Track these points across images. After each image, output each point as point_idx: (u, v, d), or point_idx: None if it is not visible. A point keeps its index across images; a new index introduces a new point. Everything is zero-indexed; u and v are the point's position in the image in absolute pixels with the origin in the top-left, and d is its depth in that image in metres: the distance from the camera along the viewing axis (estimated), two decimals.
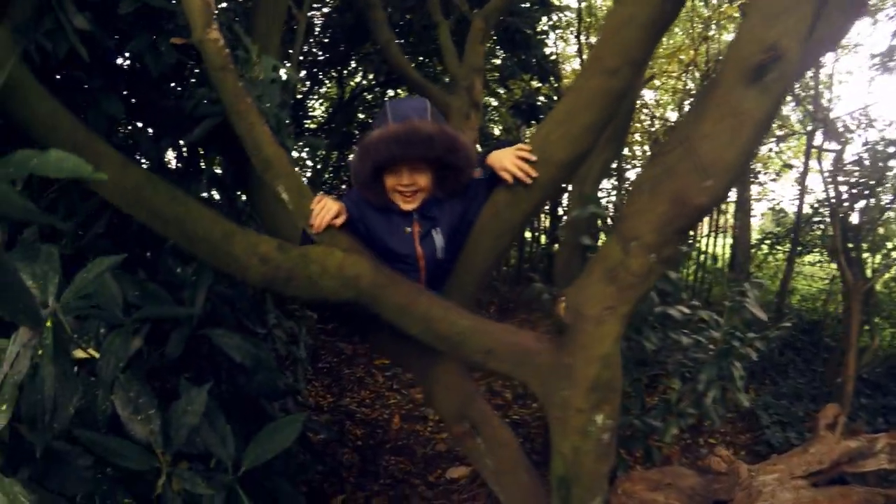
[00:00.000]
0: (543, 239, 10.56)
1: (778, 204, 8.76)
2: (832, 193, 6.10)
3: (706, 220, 9.88)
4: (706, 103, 2.07)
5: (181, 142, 2.82)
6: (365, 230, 2.50)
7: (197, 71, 3.29)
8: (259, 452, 1.94)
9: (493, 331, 2.61)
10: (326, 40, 7.87)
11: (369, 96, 10.38)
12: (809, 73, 7.33)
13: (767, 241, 8.16)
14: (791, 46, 1.92)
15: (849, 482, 3.21)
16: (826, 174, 6.43)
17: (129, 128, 2.92)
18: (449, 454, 4.82)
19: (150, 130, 2.80)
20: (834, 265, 7.18)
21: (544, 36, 6.92)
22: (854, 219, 5.90)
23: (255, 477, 2.60)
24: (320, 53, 8.03)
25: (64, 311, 1.56)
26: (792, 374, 6.07)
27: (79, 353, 1.82)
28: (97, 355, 1.79)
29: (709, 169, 2.03)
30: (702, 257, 8.56)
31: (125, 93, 2.80)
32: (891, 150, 5.81)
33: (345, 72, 8.99)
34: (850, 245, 5.60)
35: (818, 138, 7.00)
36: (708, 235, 9.56)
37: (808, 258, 8.05)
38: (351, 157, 2.36)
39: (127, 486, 1.69)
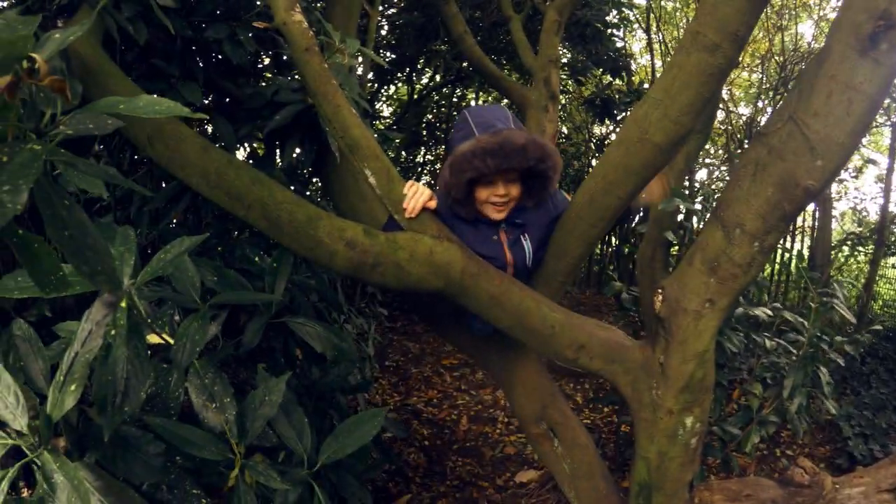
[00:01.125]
0: (614, 240, 10.35)
1: (860, 202, 8.40)
2: None
3: None
4: (815, 78, 1.93)
5: (258, 133, 2.79)
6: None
7: (274, 62, 3.29)
8: (337, 448, 1.88)
9: (585, 325, 2.51)
10: (394, 42, 7.87)
11: (437, 97, 10.38)
12: None
13: (849, 242, 7.83)
14: None
15: None
16: None
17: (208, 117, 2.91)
18: (518, 457, 4.72)
19: (228, 119, 2.78)
20: None
21: (615, 30, 6.78)
22: None
23: (327, 474, 2.56)
24: (389, 54, 8.03)
25: (139, 293, 1.53)
26: (875, 383, 5.77)
27: (153, 339, 1.78)
28: (171, 341, 1.75)
29: (819, 148, 1.90)
30: (778, 258, 8.25)
31: (203, 82, 2.79)
32: None
33: (413, 73, 8.97)
34: None
35: None
36: (786, 237, 9.23)
37: (892, 261, 7.68)
38: (440, 171, 2.30)
39: (197, 477, 1.64)
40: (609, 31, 6.64)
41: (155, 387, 1.71)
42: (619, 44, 7.03)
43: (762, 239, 2.08)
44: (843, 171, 8.72)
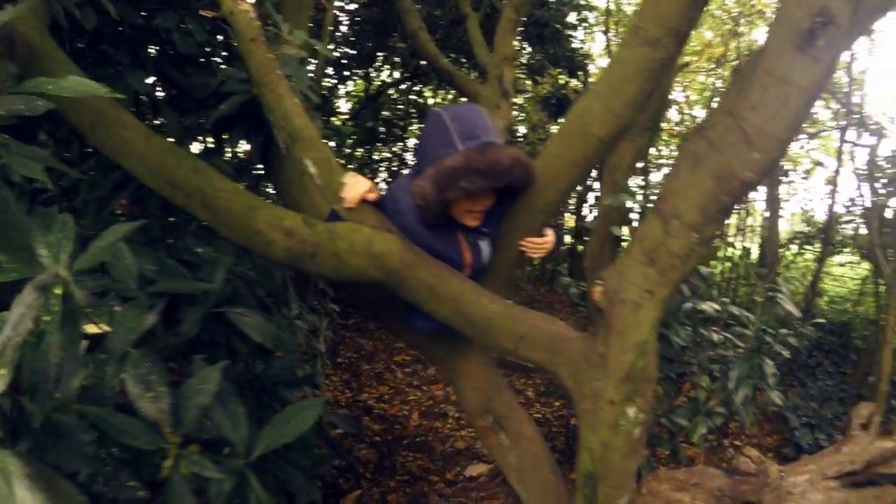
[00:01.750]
0: (567, 238, 10.45)
1: (808, 203, 8.62)
2: (866, 190, 5.97)
3: (733, 220, 9.73)
4: (753, 73, 1.98)
5: (205, 125, 2.76)
6: (402, 227, 2.37)
7: (224, 53, 3.25)
8: (274, 437, 1.83)
9: (526, 317, 2.52)
10: (353, 38, 7.84)
11: (394, 94, 10.35)
12: (843, 66, 7.21)
13: (797, 241, 8.02)
14: (841, 11, 1.82)
15: (881, 484, 3.10)
16: (859, 171, 6.29)
17: (154, 106, 2.87)
18: (468, 451, 4.74)
19: (175, 109, 2.74)
20: (864, 266, 7.04)
21: (573, 31, 6.85)
22: (889, 214, 5.77)
23: (268, 467, 2.53)
24: (348, 50, 7.99)
25: (76, 280, 1.50)
26: (820, 376, 5.93)
27: (91, 328, 1.75)
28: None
29: (755, 141, 1.94)
30: (729, 254, 8.40)
31: (153, 71, 2.76)
32: None
33: (371, 69, 8.94)
34: (887, 241, 5.47)
35: (851, 135, 6.85)
36: (735, 236, 9.42)
37: (837, 259, 7.89)
38: (417, 183, 2.20)
39: (133, 468, 1.61)
40: (567, 31, 6.71)
41: (92, 378, 1.67)
42: (577, 44, 7.09)
43: (700, 230, 2.12)
44: (793, 174, 8.94)
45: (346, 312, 7.88)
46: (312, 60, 5.32)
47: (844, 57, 7.29)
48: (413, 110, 10.52)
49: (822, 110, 8.60)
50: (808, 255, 8.13)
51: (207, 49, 3.14)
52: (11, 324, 1.21)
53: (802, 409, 5.00)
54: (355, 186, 2.17)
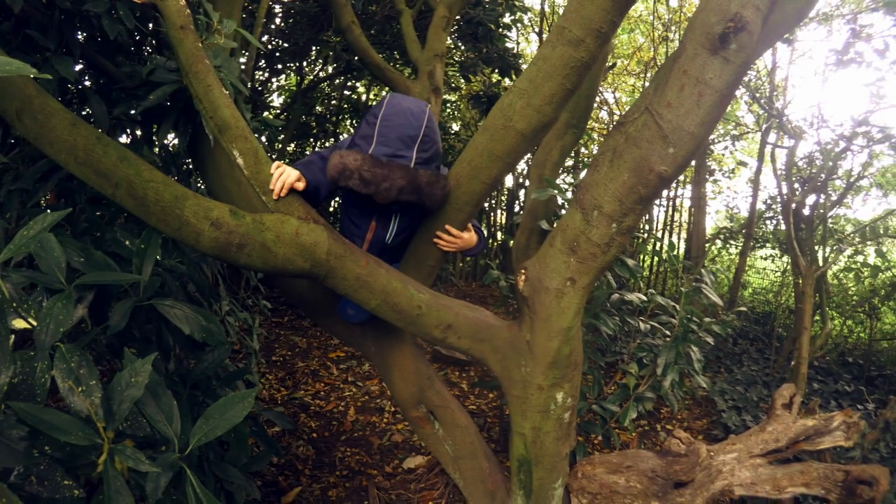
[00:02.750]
0: (500, 235, 10.57)
1: (733, 200, 8.93)
2: (785, 189, 6.24)
3: (661, 217, 9.99)
4: (669, 72, 2.07)
5: (133, 112, 2.71)
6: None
7: (154, 42, 3.20)
8: (208, 430, 1.77)
9: (453, 306, 2.57)
10: (286, 31, 7.76)
11: (327, 88, 10.28)
12: (765, 74, 7.51)
13: (721, 236, 8.31)
14: (752, 19, 1.94)
15: (805, 460, 3.26)
16: (780, 170, 6.56)
17: (81, 95, 2.80)
18: (405, 444, 4.77)
19: (103, 98, 2.68)
20: (785, 259, 7.34)
21: (506, 30, 6.93)
22: (806, 211, 6.04)
23: (205, 465, 2.50)
24: (281, 42, 7.91)
25: (2, 275, 1.47)
26: (745, 362, 6.17)
27: (19, 323, 1.71)
28: None
29: (671, 137, 2.04)
30: (657, 249, 8.63)
31: (81, 57, 2.69)
32: (840, 148, 5.99)
33: (304, 63, 8.86)
34: (803, 236, 5.73)
35: (772, 137, 7.14)
36: (663, 232, 9.68)
37: (759, 253, 8.20)
38: (331, 157, 2.31)
39: (67, 467, 1.56)
40: (500, 31, 6.79)
41: (21, 373, 1.63)
42: (510, 44, 7.18)
43: (619, 221, 2.21)
44: (718, 173, 9.25)
45: (280, 310, 7.82)
46: (245, 52, 5.26)
47: (767, 64, 7.62)
48: (346, 105, 10.47)
49: (746, 114, 8.94)
50: (733, 250, 8.43)
51: (137, 37, 3.09)
52: None
53: (729, 393, 5.19)
54: (282, 177, 2.20)
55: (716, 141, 8.84)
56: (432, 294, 2.53)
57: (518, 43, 9.17)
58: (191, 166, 3.14)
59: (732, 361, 6.28)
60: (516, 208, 9.19)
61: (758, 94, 7.41)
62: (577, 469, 3.25)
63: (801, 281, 5.46)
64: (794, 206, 5.90)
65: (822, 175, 5.91)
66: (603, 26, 2.14)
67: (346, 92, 10.46)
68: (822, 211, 6.09)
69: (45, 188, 2.35)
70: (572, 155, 8.22)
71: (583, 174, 10.16)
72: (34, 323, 1.68)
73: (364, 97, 10.56)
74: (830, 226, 6.10)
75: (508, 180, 11.11)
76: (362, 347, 3.12)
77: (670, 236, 9.42)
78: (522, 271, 2.48)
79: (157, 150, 2.90)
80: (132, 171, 1.94)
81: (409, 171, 2.29)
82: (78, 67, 2.78)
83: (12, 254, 1.49)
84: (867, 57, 5.66)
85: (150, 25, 3.03)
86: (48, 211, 1.55)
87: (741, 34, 1.92)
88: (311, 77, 9.39)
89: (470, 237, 2.68)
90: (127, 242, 2.27)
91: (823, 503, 3.43)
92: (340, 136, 10.44)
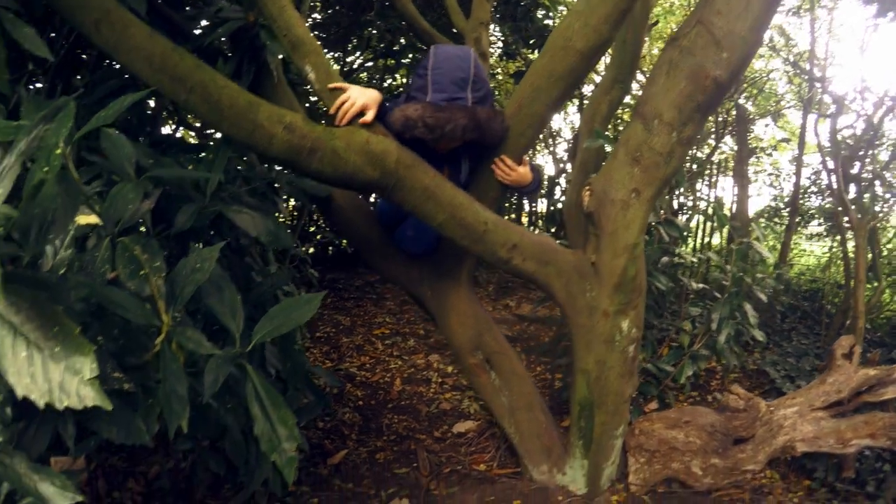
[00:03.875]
0: (541, 223, 10.52)
1: (776, 179, 8.80)
2: (829, 163, 6.16)
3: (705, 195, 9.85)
4: None
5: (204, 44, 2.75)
6: None
7: None
8: (272, 328, 1.72)
9: (517, 227, 2.57)
10: (326, 21, 7.85)
11: (365, 76, 10.34)
12: (805, 47, 7.41)
13: (765, 215, 8.20)
14: None
15: (868, 412, 3.17)
16: (824, 140, 6.46)
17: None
18: (454, 412, 4.74)
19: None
20: (829, 240, 7.23)
21: (545, 11, 6.94)
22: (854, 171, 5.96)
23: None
24: (319, 34, 7.99)
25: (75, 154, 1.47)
26: (795, 337, 6.07)
27: (83, 219, 1.69)
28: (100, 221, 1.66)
29: (723, 42, 2.13)
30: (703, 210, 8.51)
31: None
32: (884, 114, 5.90)
33: (345, 52, 8.94)
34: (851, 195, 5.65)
35: (813, 111, 7.04)
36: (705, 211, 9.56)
37: (804, 231, 8.07)
38: (392, 113, 2.45)
39: (119, 359, 1.51)
40: (538, 10, 6.80)
41: (80, 263, 1.61)
42: (548, 22, 7.17)
43: (679, 130, 2.25)
44: (760, 151, 9.12)
45: (321, 291, 7.83)
46: None
47: (806, 38, 7.52)
48: (386, 95, 10.49)
49: (787, 92, 8.83)
50: (777, 229, 8.30)
51: None
52: (16, 152, 1.18)
53: (781, 364, 5.10)
54: (348, 106, 2.29)
55: (756, 118, 8.73)
56: (497, 216, 2.53)
57: (554, 20, 9.15)
58: None
59: (782, 337, 6.18)
60: (556, 194, 9.14)
61: (799, 66, 7.33)
62: (635, 426, 3.21)
63: (851, 253, 5.37)
64: (840, 168, 5.81)
65: (866, 140, 5.83)
66: None
67: (385, 84, 10.51)
68: (868, 174, 6.00)
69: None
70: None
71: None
72: (95, 220, 1.65)
73: (400, 84, 10.60)
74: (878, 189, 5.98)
75: (549, 167, 11.08)
76: (419, 290, 3.12)
77: (721, 208, 9.26)
78: (588, 187, 2.47)
79: None
80: (207, 76, 1.99)
81: (468, 109, 2.38)
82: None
83: (91, 128, 1.49)
84: None
85: None
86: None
87: None
88: (350, 67, 9.46)
89: (525, 171, 2.70)
90: (190, 167, 2.29)
91: (886, 461, 3.33)
92: None
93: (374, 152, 2.22)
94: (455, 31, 5.28)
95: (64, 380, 1.10)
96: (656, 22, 7.73)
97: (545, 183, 9.13)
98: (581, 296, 2.55)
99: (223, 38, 2.64)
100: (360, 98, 2.29)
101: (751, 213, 8.23)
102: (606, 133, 3.63)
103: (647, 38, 8.97)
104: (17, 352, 1.10)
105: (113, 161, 1.79)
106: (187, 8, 2.97)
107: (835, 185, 5.95)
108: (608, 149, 4.04)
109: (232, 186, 2.41)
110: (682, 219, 7.28)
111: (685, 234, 3.86)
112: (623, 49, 4.20)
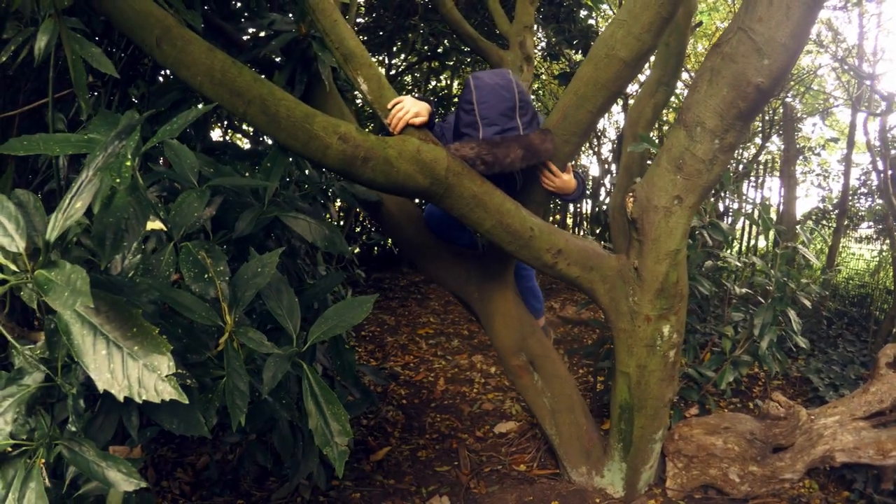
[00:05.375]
0: (586, 224, 10.52)
1: (825, 178, 8.65)
2: (879, 164, 6.03)
3: (751, 197, 9.72)
4: None
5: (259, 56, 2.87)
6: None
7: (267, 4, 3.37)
8: (326, 329, 1.85)
9: (563, 233, 2.64)
10: (371, 25, 7.97)
11: (409, 83, 10.46)
12: (853, 42, 7.28)
13: (813, 217, 8.05)
14: None
15: None
16: (874, 139, 6.34)
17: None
18: (496, 412, 4.80)
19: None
20: (880, 243, 7.06)
21: (587, 10, 6.97)
22: None
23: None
24: (364, 37, 8.11)
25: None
26: (841, 344, 5.97)
27: (150, 225, 1.81)
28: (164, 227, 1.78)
29: (765, 49, 2.14)
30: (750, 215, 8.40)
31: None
32: None
33: (390, 53, 9.05)
34: None
35: (862, 110, 6.91)
36: (752, 211, 9.42)
37: (854, 235, 7.91)
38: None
39: (182, 357, 1.64)
40: (580, 10, 6.83)
41: (146, 266, 1.72)
42: (591, 22, 7.19)
43: (721, 137, 2.27)
44: (808, 150, 8.97)
45: (368, 291, 7.98)
46: None
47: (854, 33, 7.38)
48: (432, 97, 10.63)
49: (836, 89, 8.68)
50: (825, 231, 8.16)
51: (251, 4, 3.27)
52: (93, 166, 1.27)
53: (825, 372, 5.03)
54: (400, 111, 2.37)
55: (804, 117, 8.59)
56: (542, 221, 2.59)
57: (597, 22, 9.13)
58: None
59: (827, 344, 6.08)
60: (601, 195, 9.12)
61: (847, 62, 7.20)
62: (675, 431, 3.23)
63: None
64: (889, 170, 5.70)
65: None
66: None
67: (430, 85, 10.63)
68: None
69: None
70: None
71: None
72: (161, 226, 1.78)
73: (445, 86, 10.71)
74: None
75: (594, 169, 11.05)
76: (466, 293, 3.18)
77: (768, 210, 9.12)
78: (631, 193, 2.51)
79: None
80: (265, 89, 2.08)
81: (521, 139, 2.44)
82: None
83: (158, 140, 1.60)
84: None
85: None
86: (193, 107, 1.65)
87: None
88: (395, 71, 9.58)
89: (569, 179, 2.74)
90: (246, 174, 2.39)
91: None
92: None
93: (424, 161, 2.30)
94: (499, 33, 5.32)
95: (143, 376, 1.23)
96: (700, 23, 7.68)
97: (590, 185, 9.17)
98: (623, 300, 2.59)
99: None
100: (413, 107, 2.37)
101: (798, 214, 8.11)
102: (651, 135, 3.65)
103: (691, 38, 8.94)
104: (97, 350, 1.23)
105: (177, 170, 1.90)
106: (241, 20, 3.08)
107: (884, 187, 5.84)
108: (653, 151, 4.08)
109: (287, 192, 2.52)
110: (727, 221, 7.24)
111: (730, 237, 3.85)
112: (667, 52, 4.21)
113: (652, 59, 4.61)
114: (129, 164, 1.50)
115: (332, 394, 1.77)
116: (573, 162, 2.87)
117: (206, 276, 1.68)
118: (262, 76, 3.04)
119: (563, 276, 2.64)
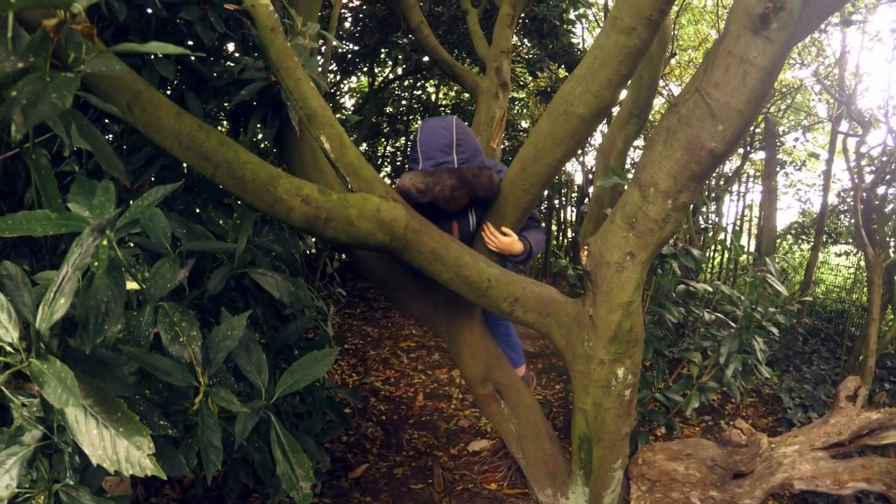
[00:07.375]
0: (570, 232, 10.64)
1: (805, 194, 8.78)
2: (856, 178, 6.15)
3: (732, 212, 9.85)
4: (716, 54, 2.19)
5: (226, 105, 2.95)
6: None
7: (240, 44, 3.44)
8: (292, 382, 1.99)
9: (520, 281, 2.73)
10: (357, 34, 8.04)
11: (397, 89, 10.55)
12: (834, 60, 7.38)
13: (793, 232, 8.19)
14: None
15: (867, 455, 3.24)
16: (852, 159, 6.45)
17: (176, 91, 3.06)
18: (471, 429, 4.92)
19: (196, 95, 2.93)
20: (860, 255, 7.18)
21: (571, 25, 7.04)
22: (877, 201, 5.93)
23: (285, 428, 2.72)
24: (351, 45, 8.19)
25: (119, 240, 1.69)
26: (815, 361, 6.08)
27: (130, 285, 1.93)
28: (144, 287, 1.91)
29: (720, 115, 2.16)
30: (725, 242, 8.53)
31: (175, 60, 2.94)
32: None
33: (374, 64, 9.13)
34: (874, 226, 5.63)
35: (843, 127, 7.01)
36: (733, 226, 9.55)
37: (834, 249, 8.04)
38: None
39: (163, 409, 1.77)
40: (565, 26, 6.90)
41: (127, 328, 1.86)
42: (575, 40, 7.27)
43: (675, 197, 2.34)
44: (789, 165, 9.08)
45: (353, 301, 8.09)
46: (320, 55, 5.51)
47: (836, 52, 7.48)
48: (416, 105, 10.73)
49: (818, 104, 8.79)
50: (805, 246, 8.29)
51: (224, 42, 3.34)
52: (71, 261, 1.38)
53: (796, 391, 5.14)
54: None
55: (786, 132, 8.70)
56: (500, 269, 2.70)
57: (583, 39, 9.21)
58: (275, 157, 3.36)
59: (802, 360, 6.20)
60: (585, 202, 9.25)
61: (827, 82, 7.30)
62: (638, 455, 3.33)
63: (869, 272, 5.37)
64: (863, 195, 5.81)
65: (894, 164, 5.81)
66: (652, 14, 2.30)
67: (416, 92, 10.72)
68: (892, 202, 5.98)
69: (150, 171, 2.61)
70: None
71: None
72: (138, 286, 1.91)
73: (433, 97, 10.80)
74: None
75: (578, 177, 11.16)
76: (435, 325, 3.29)
77: (741, 232, 9.25)
78: (585, 247, 2.61)
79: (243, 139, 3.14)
80: (231, 153, 2.16)
81: (454, 170, 2.59)
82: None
83: (129, 219, 1.71)
84: None
85: (236, 32, 3.27)
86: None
87: (781, 13, 2.01)
88: (382, 78, 9.67)
89: (510, 241, 2.87)
90: (220, 222, 2.50)
91: (886, 502, 3.41)
92: (411, 137, 10.71)
93: (384, 220, 2.40)
94: (479, 65, 5.40)
95: (129, 454, 1.40)
96: (673, 54, 7.77)
97: (540, 248, 9.26)
98: (579, 345, 2.69)
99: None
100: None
101: (780, 226, 8.23)
102: (623, 168, 3.75)
103: (674, 50, 9.03)
104: (89, 429, 1.40)
105: (151, 237, 2.02)
106: (212, 59, 3.16)
107: (860, 206, 5.96)
108: (624, 185, 4.17)
109: (258, 238, 2.63)
110: (705, 237, 7.34)
111: (702, 263, 3.95)
112: (640, 83, 4.30)
113: (624, 92, 4.71)
114: (105, 242, 1.60)
115: (296, 444, 1.92)
116: (540, 207, 2.97)
117: (181, 338, 1.81)
118: (232, 131, 3.15)
119: (521, 322, 2.75)
